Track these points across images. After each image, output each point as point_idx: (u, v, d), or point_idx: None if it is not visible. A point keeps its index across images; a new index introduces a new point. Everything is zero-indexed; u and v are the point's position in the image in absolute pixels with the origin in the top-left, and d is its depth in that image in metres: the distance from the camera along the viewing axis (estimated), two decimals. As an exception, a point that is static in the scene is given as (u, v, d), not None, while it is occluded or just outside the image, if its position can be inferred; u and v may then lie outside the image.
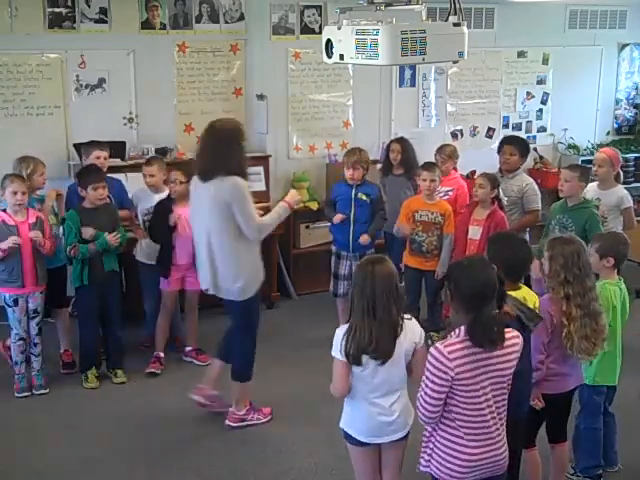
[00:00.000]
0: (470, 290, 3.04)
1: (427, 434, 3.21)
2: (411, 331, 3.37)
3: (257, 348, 6.07)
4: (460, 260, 3.52)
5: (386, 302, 3.24)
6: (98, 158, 5.80)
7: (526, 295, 3.69)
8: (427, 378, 3.05)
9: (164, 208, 5.59)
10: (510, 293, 3.49)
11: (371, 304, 3.24)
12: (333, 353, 3.36)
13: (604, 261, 4.15)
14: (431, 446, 3.20)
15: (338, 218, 5.93)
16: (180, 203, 5.56)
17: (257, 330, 4.89)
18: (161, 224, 5.57)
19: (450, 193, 6.34)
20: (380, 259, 3.37)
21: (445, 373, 2.99)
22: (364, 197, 5.94)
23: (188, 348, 5.91)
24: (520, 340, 3.15)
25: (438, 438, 3.15)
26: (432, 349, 3.07)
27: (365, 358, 3.29)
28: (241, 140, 4.66)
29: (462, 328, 3.06)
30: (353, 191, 5.94)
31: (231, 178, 4.48)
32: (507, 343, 3.11)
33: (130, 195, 5.99)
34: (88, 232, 5.27)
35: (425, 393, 3.06)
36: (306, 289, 7.23)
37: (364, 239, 5.86)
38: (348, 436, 3.48)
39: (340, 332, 3.34)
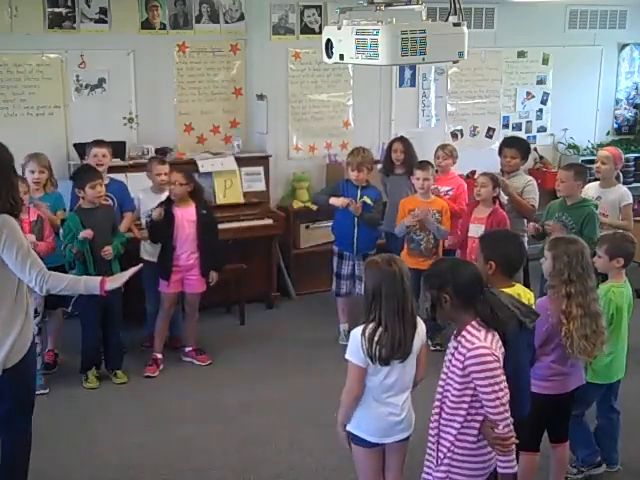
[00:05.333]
0: (467, 281, 3.07)
1: (432, 445, 3.15)
2: (421, 329, 3.38)
3: (258, 348, 6.15)
4: (439, 264, 3.42)
5: (411, 300, 3.26)
6: (96, 156, 5.80)
7: (521, 292, 3.70)
8: (491, 379, 2.95)
9: (164, 209, 5.60)
10: (505, 290, 3.51)
11: (401, 303, 3.23)
12: (348, 356, 3.30)
13: (614, 262, 4.19)
14: (449, 455, 3.11)
15: (344, 202, 5.90)
16: (180, 205, 5.61)
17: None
18: (160, 225, 5.58)
19: (450, 193, 6.35)
20: (396, 257, 3.38)
21: (498, 362, 2.98)
22: (369, 201, 5.97)
23: (188, 348, 5.91)
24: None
25: (457, 443, 3.08)
26: (480, 349, 2.98)
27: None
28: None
29: (474, 322, 3.05)
30: (359, 193, 5.97)
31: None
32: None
33: (132, 196, 6.00)
34: (88, 233, 5.26)
35: (498, 397, 2.96)
36: (306, 289, 7.23)
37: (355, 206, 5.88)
38: (354, 436, 3.44)
39: (357, 334, 3.27)
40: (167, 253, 5.63)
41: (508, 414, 3.00)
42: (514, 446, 3.07)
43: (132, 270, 3.85)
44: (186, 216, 5.62)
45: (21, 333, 3.56)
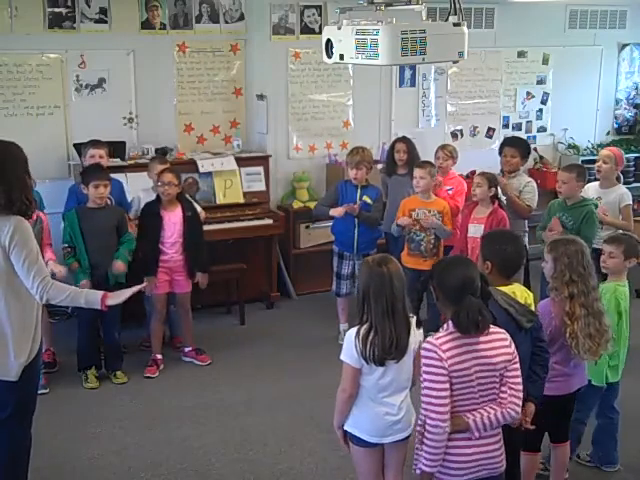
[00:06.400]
0: (452, 284, 3.08)
1: (419, 435, 3.18)
2: (415, 328, 3.38)
3: (257, 348, 6.16)
4: (442, 259, 3.54)
5: (402, 300, 3.26)
6: (93, 157, 5.77)
7: (516, 290, 3.70)
8: (426, 375, 3.03)
9: (151, 210, 5.60)
10: (499, 288, 3.52)
11: (390, 304, 3.24)
12: (343, 357, 3.32)
13: (626, 262, 4.27)
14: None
15: (341, 211, 5.96)
16: (167, 207, 5.60)
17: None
18: (147, 226, 5.58)
19: (450, 192, 6.35)
20: (388, 258, 3.37)
21: (440, 361, 2.99)
22: (369, 200, 5.97)
23: (188, 348, 5.90)
24: (507, 336, 3.16)
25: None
26: (424, 344, 3.08)
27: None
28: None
29: (450, 322, 3.08)
30: (358, 193, 5.97)
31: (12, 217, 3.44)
32: (493, 337, 3.11)
33: (131, 197, 6.00)
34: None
35: (428, 394, 3.02)
36: (306, 289, 7.23)
37: (352, 208, 5.92)
38: (353, 437, 3.45)
39: (352, 335, 3.29)
40: (154, 255, 5.58)
41: (435, 416, 3.00)
42: (499, 440, 3.13)
43: (135, 288, 3.80)
44: (173, 218, 5.59)
45: (36, 334, 3.56)
